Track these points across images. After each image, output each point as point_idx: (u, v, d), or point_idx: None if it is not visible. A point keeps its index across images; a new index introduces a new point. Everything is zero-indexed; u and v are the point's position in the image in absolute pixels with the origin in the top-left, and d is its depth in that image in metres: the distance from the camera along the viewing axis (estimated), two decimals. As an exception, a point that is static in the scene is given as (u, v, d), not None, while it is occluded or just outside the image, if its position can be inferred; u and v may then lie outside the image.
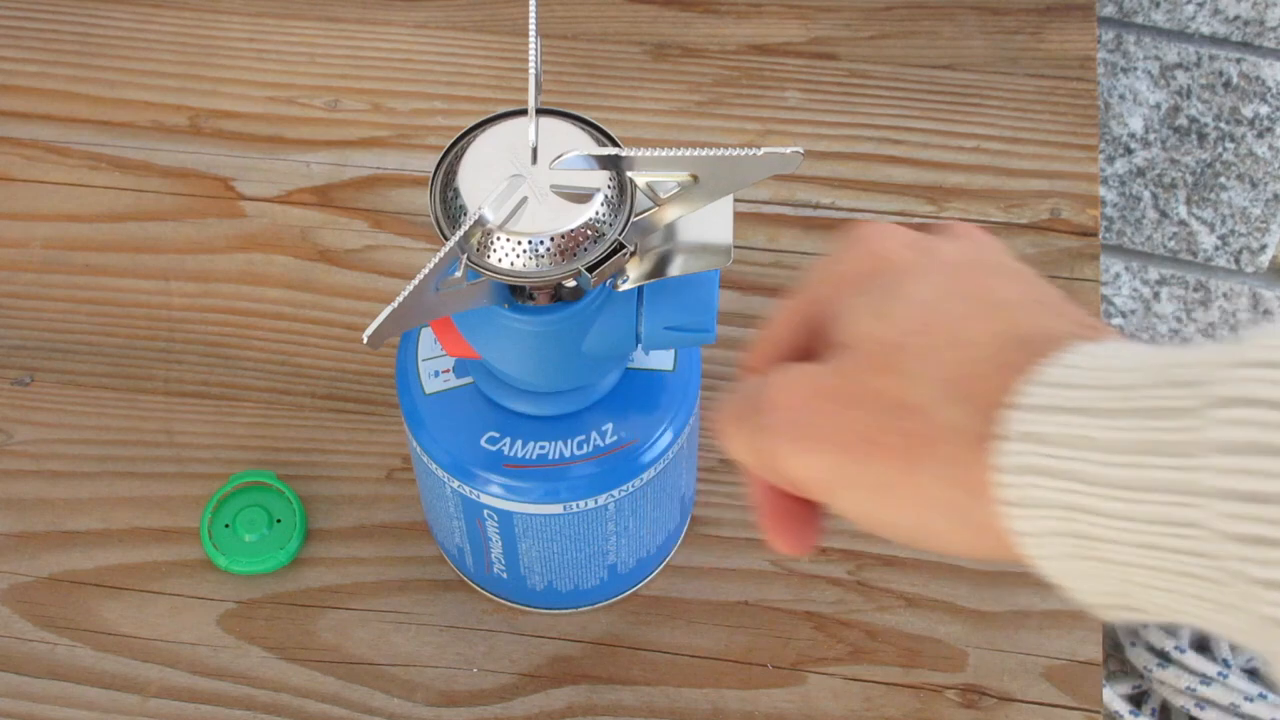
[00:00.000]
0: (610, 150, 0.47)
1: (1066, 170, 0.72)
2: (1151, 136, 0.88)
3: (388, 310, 0.44)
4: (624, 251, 0.46)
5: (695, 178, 0.46)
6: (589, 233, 0.46)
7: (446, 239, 0.46)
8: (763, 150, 0.45)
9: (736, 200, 0.50)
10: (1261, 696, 1.01)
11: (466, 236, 0.46)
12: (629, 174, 0.47)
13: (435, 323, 0.51)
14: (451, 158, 0.47)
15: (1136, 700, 1.09)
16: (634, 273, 0.49)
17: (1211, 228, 0.91)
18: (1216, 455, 0.30)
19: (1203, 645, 1.08)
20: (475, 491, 0.54)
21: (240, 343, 0.68)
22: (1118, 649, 1.09)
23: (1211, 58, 0.83)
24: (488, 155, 0.47)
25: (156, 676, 0.59)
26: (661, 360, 0.55)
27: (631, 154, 0.47)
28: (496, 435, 0.53)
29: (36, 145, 0.74)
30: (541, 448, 0.53)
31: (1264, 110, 0.84)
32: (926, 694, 0.59)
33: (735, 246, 0.51)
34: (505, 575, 0.58)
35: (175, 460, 0.64)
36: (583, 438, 0.53)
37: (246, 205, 0.72)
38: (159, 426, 0.65)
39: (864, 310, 0.39)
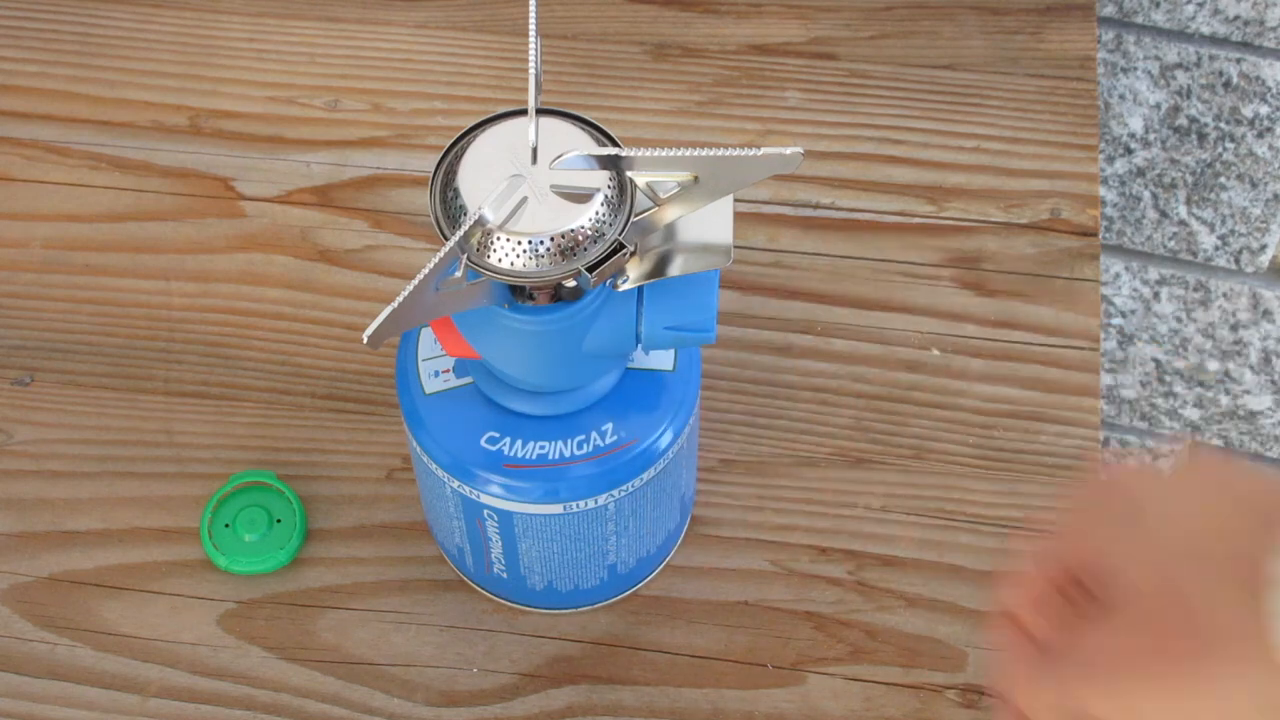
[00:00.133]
0: (610, 150, 0.47)
1: (1066, 170, 0.72)
2: (1151, 136, 0.88)
3: (388, 310, 0.44)
4: (624, 251, 0.46)
5: (695, 178, 0.46)
6: (589, 233, 0.46)
7: (446, 239, 0.46)
8: (763, 150, 0.45)
9: (736, 200, 0.50)
10: (1261, 696, 1.01)
11: (466, 236, 0.46)
12: (629, 174, 0.47)
13: (435, 323, 0.51)
14: (451, 158, 0.47)
15: (1137, 700, 1.09)
16: (634, 273, 0.49)
17: (1211, 228, 0.91)
18: None
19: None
20: (475, 491, 0.54)
21: (240, 343, 0.68)
22: (1118, 649, 1.09)
23: (1211, 58, 0.83)
24: (488, 155, 0.47)
25: (156, 676, 0.59)
26: (661, 360, 0.55)
27: (631, 154, 0.47)
28: (496, 435, 0.53)
29: (36, 145, 0.74)
30: (541, 448, 0.53)
31: (1264, 110, 0.84)
32: (926, 694, 0.59)
33: (735, 246, 0.51)
34: (505, 575, 0.58)
35: (175, 460, 0.64)
36: (583, 438, 0.53)
37: (246, 205, 0.72)
38: (159, 426, 0.65)
39: (1127, 552, 0.42)
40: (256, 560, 0.61)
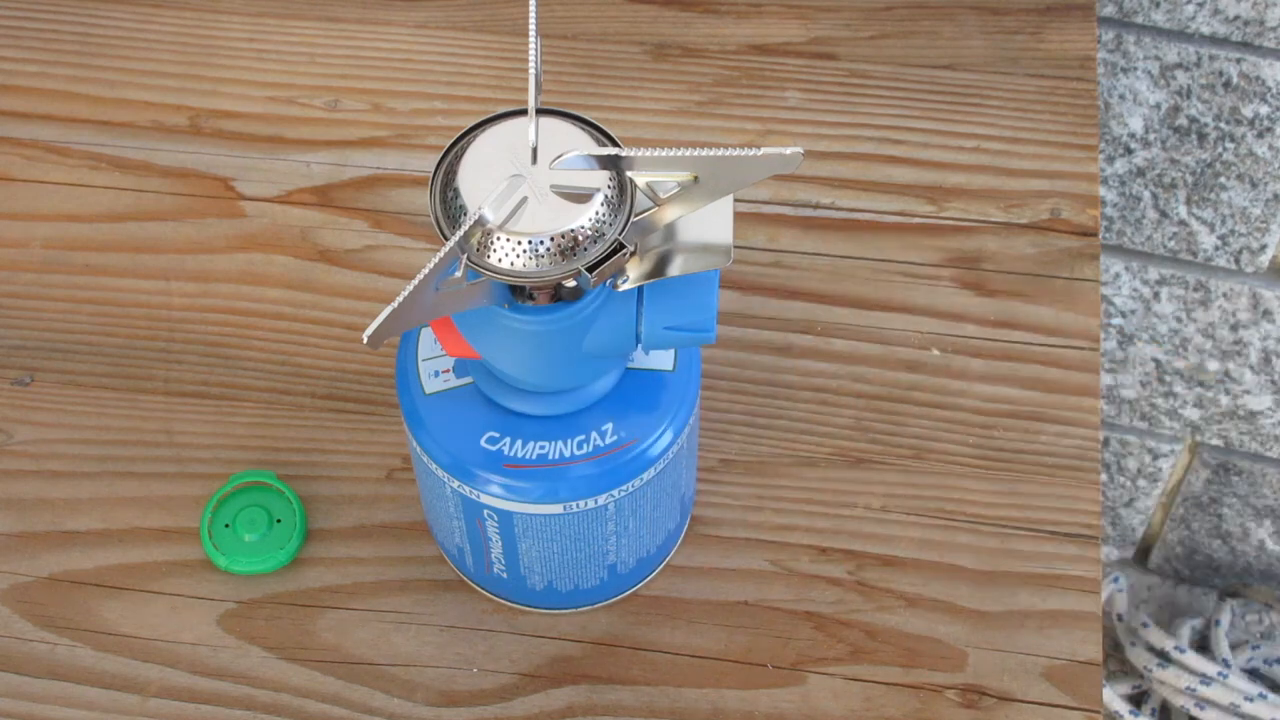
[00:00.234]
0: (610, 150, 0.47)
1: (1066, 170, 0.72)
2: (1151, 136, 0.88)
3: (388, 310, 0.44)
4: (624, 251, 0.46)
5: (695, 178, 0.46)
6: (589, 233, 0.46)
7: (446, 239, 0.46)
8: (763, 150, 0.45)
9: (736, 200, 0.50)
10: (1261, 696, 1.01)
11: (466, 236, 0.46)
12: (629, 174, 0.47)
13: (435, 323, 0.51)
14: (451, 158, 0.47)
15: (1136, 700, 1.09)
16: (634, 273, 0.49)
17: (1211, 228, 0.91)
18: None
19: (1203, 645, 1.08)
20: (475, 491, 0.54)
21: (240, 343, 0.68)
22: (1118, 649, 1.09)
23: (1211, 58, 0.83)
24: (488, 155, 0.47)
25: (156, 676, 0.59)
26: (661, 360, 0.55)
27: (631, 154, 0.47)
28: (496, 435, 0.53)
29: (36, 145, 0.74)
30: (541, 448, 0.53)
31: (1264, 110, 0.84)
32: (926, 694, 0.59)
33: (735, 246, 0.51)
34: (505, 575, 0.58)
35: (175, 460, 0.64)
36: (583, 438, 0.53)
37: (246, 205, 0.72)
38: (159, 426, 0.65)
39: None
40: (256, 560, 0.61)
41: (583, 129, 0.48)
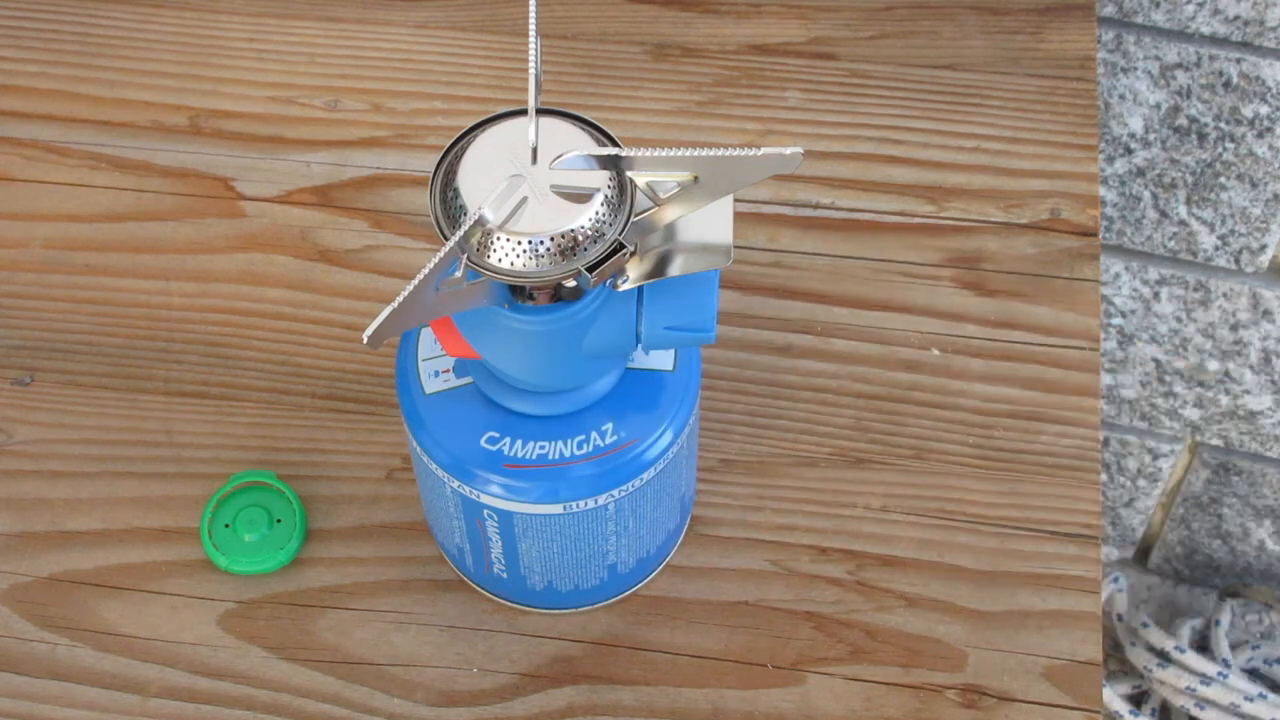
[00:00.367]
0: (610, 150, 0.47)
1: (1066, 170, 0.72)
2: (1151, 136, 0.88)
3: (388, 310, 0.44)
4: (624, 251, 0.46)
5: (695, 178, 0.46)
6: (589, 233, 0.46)
7: (446, 239, 0.46)
8: (763, 150, 0.45)
9: (736, 200, 0.50)
10: (1261, 696, 1.01)
11: (466, 236, 0.46)
12: (629, 174, 0.47)
13: (435, 323, 0.51)
14: (451, 158, 0.47)
15: (1136, 700, 1.09)
16: (634, 273, 0.49)
17: (1211, 228, 0.91)
18: None
19: (1203, 645, 1.08)
20: (475, 491, 0.54)
21: (240, 343, 0.68)
22: (1118, 649, 1.09)
23: (1211, 58, 0.83)
24: (488, 155, 0.47)
25: (156, 676, 0.59)
26: (661, 360, 0.55)
27: (631, 154, 0.47)
28: (496, 435, 0.53)
29: (36, 145, 0.74)
30: (541, 448, 0.53)
31: (1264, 110, 0.84)
32: (926, 694, 0.59)
33: (735, 246, 0.51)
34: (505, 575, 0.58)
35: (175, 460, 0.64)
36: (583, 438, 0.53)
37: (246, 205, 0.72)
38: (159, 426, 0.65)
39: None
40: (256, 560, 0.61)
41: (583, 129, 0.48)
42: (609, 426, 0.53)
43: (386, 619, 0.61)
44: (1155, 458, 1.07)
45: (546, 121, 0.48)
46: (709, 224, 0.49)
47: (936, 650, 0.60)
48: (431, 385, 0.54)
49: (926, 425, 0.65)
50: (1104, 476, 1.10)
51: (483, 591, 0.61)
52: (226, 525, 0.62)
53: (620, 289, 0.49)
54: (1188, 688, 1.02)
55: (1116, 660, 1.10)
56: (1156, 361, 1.00)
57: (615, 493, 0.54)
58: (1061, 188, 0.71)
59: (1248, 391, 0.99)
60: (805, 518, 0.63)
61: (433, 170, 0.47)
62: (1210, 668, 1.02)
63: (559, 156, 0.47)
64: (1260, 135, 0.85)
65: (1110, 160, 0.90)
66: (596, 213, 0.46)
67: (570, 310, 0.49)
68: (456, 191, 0.46)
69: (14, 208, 0.72)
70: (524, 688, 0.59)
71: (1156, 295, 0.96)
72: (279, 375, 0.67)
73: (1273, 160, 0.86)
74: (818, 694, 0.59)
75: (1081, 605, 0.60)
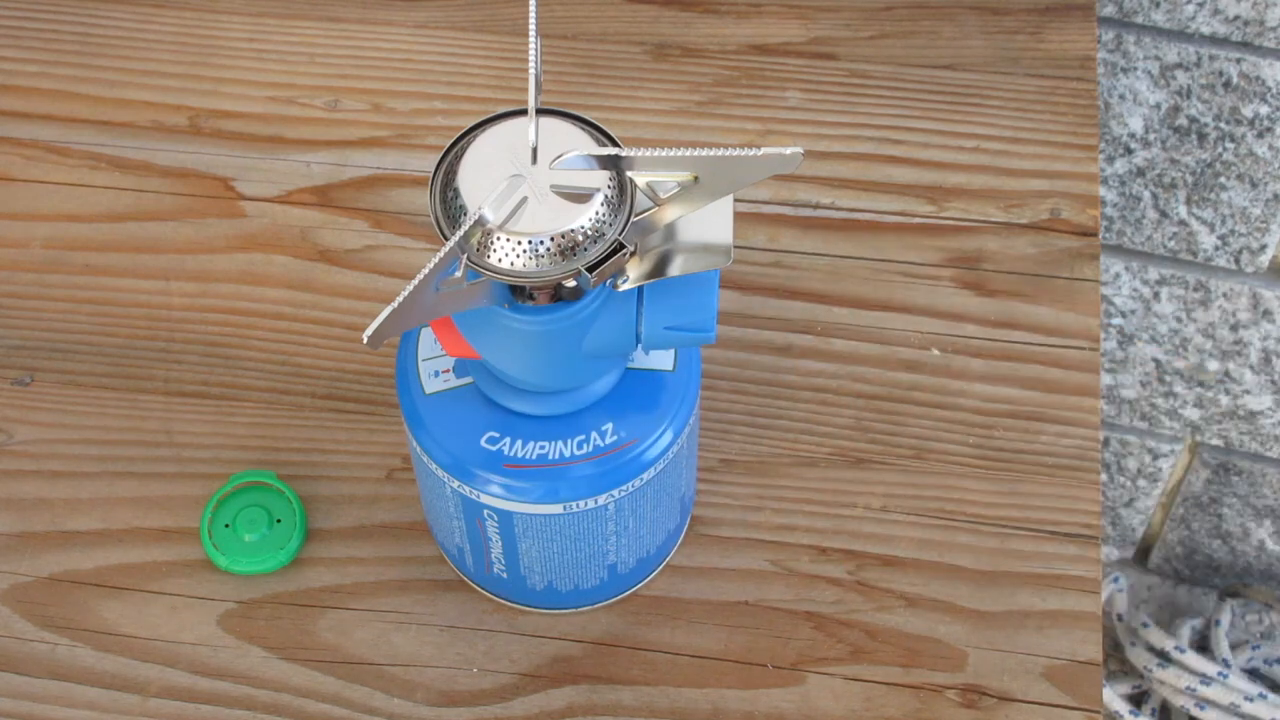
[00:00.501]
0: (610, 150, 0.47)
1: (1066, 170, 0.72)
2: (1151, 136, 0.88)
3: (388, 310, 0.44)
4: (624, 251, 0.46)
5: (695, 178, 0.46)
6: (589, 233, 0.46)
7: (446, 239, 0.46)
8: (763, 150, 0.45)
9: (736, 200, 0.50)
10: (1261, 696, 1.01)
11: (466, 236, 0.46)
12: (629, 174, 0.47)
13: (435, 323, 0.51)
14: (451, 158, 0.47)
15: (1136, 700, 1.09)
16: (634, 273, 0.49)
17: (1211, 228, 0.91)
18: None
19: (1203, 645, 1.08)
20: (475, 491, 0.54)
21: (240, 343, 0.68)
22: (1118, 649, 1.09)
23: (1211, 58, 0.83)
24: (488, 155, 0.47)
25: (156, 676, 0.59)
26: (661, 360, 0.55)
27: (631, 154, 0.47)
28: (496, 435, 0.53)
29: (36, 145, 0.74)
30: (541, 448, 0.53)
31: (1264, 110, 0.84)
32: (926, 694, 0.59)
33: (735, 246, 0.51)
34: (505, 575, 0.58)
35: (175, 460, 0.64)
36: (583, 438, 0.53)
37: (246, 205, 0.72)
38: (159, 426, 0.65)
39: None
40: (256, 560, 0.61)
41: (583, 129, 0.48)
42: (609, 426, 0.53)
43: (386, 619, 0.61)
44: (1155, 458, 1.07)
45: (546, 121, 0.48)
46: (709, 224, 0.49)
47: (936, 650, 0.60)
48: (431, 385, 0.54)
49: (926, 425, 0.65)
50: (1104, 476, 1.10)
51: (483, 591, 0.61)
52: (226, 525, 0.62)
53: (620, 289, 0.49)
54: (1188, 688, 1.02)
55: (1116, 660, 1.10)
56: (1156, 361, 1.00)
57: (615, 493, 0.54)
58: (1061, 188, 0.71)
59: (1248, 391, 0.99)
60: (805, 518, 0.63)
61: (433, 170, 0.48)
62: (1210, 668, 1.02)
63: (559, 156, 0.47)
64: (1260, 135, 0.85)
65: (1110, 160, 0.90)
66: (596, 213, 0.46)
67: (570, 310, 0.49)
68: (456, 191, 0.46)
69: (14, 208, 0.72)
70: (524, 688, 0.59)
71: (1156, 295, 0.96)
72: (279, 375, 0.67)
73: (1273, 160, 0.86)
74: (818, 694, 0.59)
75: (1081, 605, 0.60)
